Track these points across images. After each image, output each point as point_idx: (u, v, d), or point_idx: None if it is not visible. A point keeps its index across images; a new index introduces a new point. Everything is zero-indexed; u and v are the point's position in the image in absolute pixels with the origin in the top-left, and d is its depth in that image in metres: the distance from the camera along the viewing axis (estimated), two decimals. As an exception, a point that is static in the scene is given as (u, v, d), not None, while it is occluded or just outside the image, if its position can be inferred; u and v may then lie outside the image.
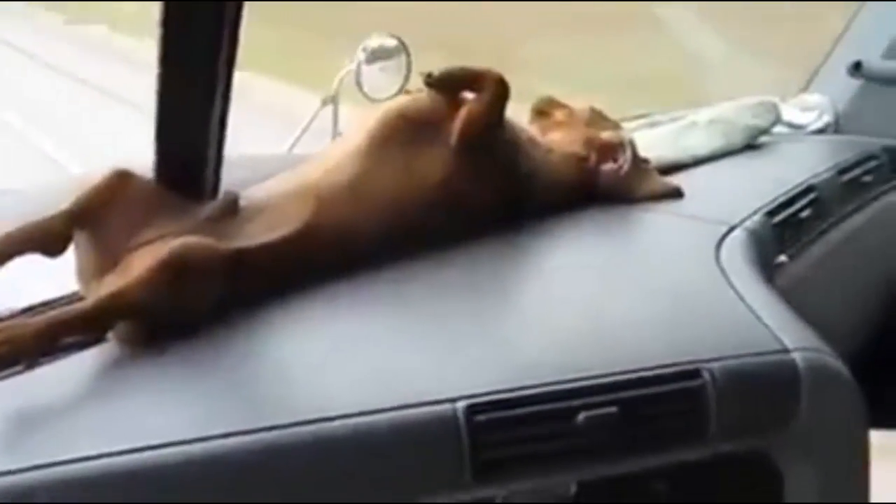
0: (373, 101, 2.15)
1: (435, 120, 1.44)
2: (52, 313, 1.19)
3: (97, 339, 1.24)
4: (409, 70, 2.15)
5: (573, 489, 1.11)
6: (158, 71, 1.31)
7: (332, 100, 2.20)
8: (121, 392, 1.15)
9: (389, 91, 2.15)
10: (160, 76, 1.31)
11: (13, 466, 0.97)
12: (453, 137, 1.43)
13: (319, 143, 2.17)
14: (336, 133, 2.21)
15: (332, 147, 1.46)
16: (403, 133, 1.41)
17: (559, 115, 1.64)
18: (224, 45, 1.30)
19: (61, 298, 1.30)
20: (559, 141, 1.58)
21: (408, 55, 2.14)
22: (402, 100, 1.50)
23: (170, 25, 1.26)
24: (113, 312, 1.19)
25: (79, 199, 1.26)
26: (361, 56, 2.11)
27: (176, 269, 1.19)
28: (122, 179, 1.29)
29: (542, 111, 1.65)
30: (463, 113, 1.44)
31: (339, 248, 1.31)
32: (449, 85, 1.48)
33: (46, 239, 1.24)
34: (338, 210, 1.33)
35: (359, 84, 2.11)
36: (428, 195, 1.39)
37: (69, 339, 1.23)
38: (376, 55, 2.13)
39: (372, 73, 2.13)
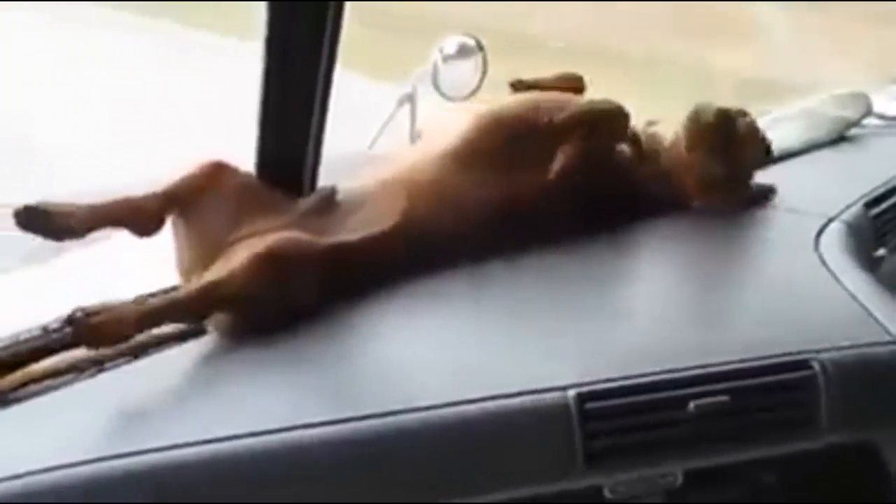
0: (449, 99, 2.16)
1: (531, 129, 1.43)
2: (155, 300, 1.22)
3: (198, 332, 1.27)
4: (485, 69, 2.16)
5: (680, 479, 1.11)
6: (262, 70, 1.34)
7: (410, 99, 2.23)
8: (223, 382, 1.18)
9: (466, 90, 2.17)
10: (264, 76, 1.34)
11: (123, 450, 1.00)
12: (552, 172, 1.41)
13: (395, 139, 2.20)
14: (414, 132, 2.23)
15: (423, 145, 1.47)
16: (498, 140, 1.41)
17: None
18: (326, 47, 1.33)
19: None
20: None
21: (484, 54, 2.15)
22: (498, 106, 1.47)
23: (274, 27, 1.30)
24: (211, 302, 1.22)
25: (173, 182, 1.29)
26: (438, 55, 2.13)
27: (275, 264, 1.21)
28: (217, 169, 1.32)
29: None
30: (564, 154, 1.41)
31: (434, 245, 1.32)
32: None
33: (137, 216, 1.26)
34: (430, 208, 1.34)
35: (435, 83, 2.13)
36: (521, 204, 1.38)
37: (169, 326, 1.27)
38: (453, 54, 2.14)
39: (448, 72, 2.15)
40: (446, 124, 1.46)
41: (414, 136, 2.23)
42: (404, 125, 2.23)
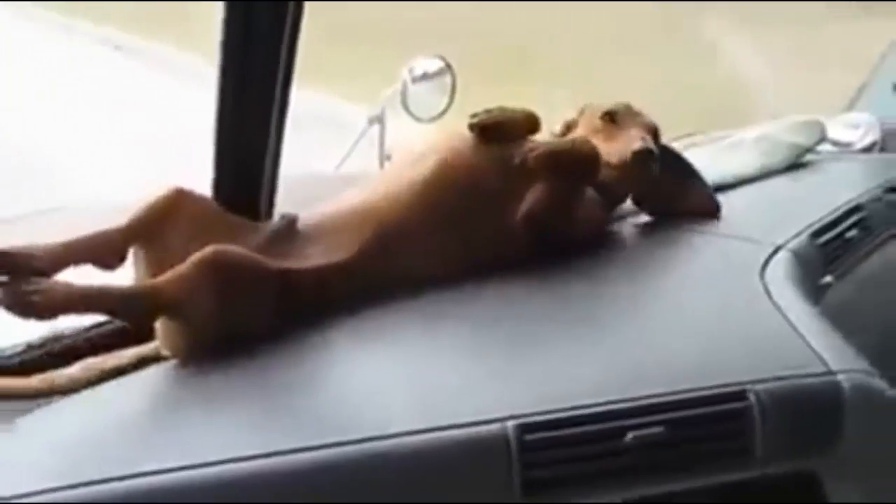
0: (418, 120, 2.19)
1: (499, 170, 1.43)
2: (92, 284, 1.22)
3: (153, 358, 1.29)
4: (453, 90, 2.18)
5: (620, 509, 1.13)
6: (217, 92, 1.36)
7: (379, 119, 2.25)
8: (182, 410, 1.19)
9: (434, 111, 2.19)
10: (219, 97, 1.36)
11: (77, 480, 1.01)
12: (518, 215, 1.41)
13: (365, 159, 2.22)
14: (383, 154, 2.25)
15: (390, 174, 1.47)
16: (466, 177, 1.42)
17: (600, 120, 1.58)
18: (281, 65, 1.35)
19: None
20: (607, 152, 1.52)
21: (453, 76, 2.17)
22: (465, 140, 1.47)
23: (229, 45, 1.32)
24: (149, 298, 1.22)
25: (137, 214, 1.31)
26: (407, 76, 2.15)
27: (217, 269, 1.21)
28: (179, 197, 1.34)
29: (567, 124, 1.62)
30: (531, 198, 1.42)
31: (390, 280, 1.33)
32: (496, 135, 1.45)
33: (103, 252, 1.29)
34: (391, 242, 1.35)
35: (404, 104, 2.15)
36: (483, 248, 1.40)
37: (125, 355, 1.29)
38: (422, 75, 2.16)
39: (417, 93, 2.17)
40: (414, 155, 1.46)
41: (383, 158, 2.26)
42: (373, 146, 2.25)
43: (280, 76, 1.35)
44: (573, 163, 1.44)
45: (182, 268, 1.21)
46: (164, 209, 1.32)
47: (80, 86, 5.10)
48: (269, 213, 1.48)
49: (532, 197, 1.42)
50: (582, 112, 1.62)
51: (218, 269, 1.21)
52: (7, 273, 1.18)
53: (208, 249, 1.22)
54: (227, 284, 1.22)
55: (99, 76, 5.31)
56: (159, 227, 1.31)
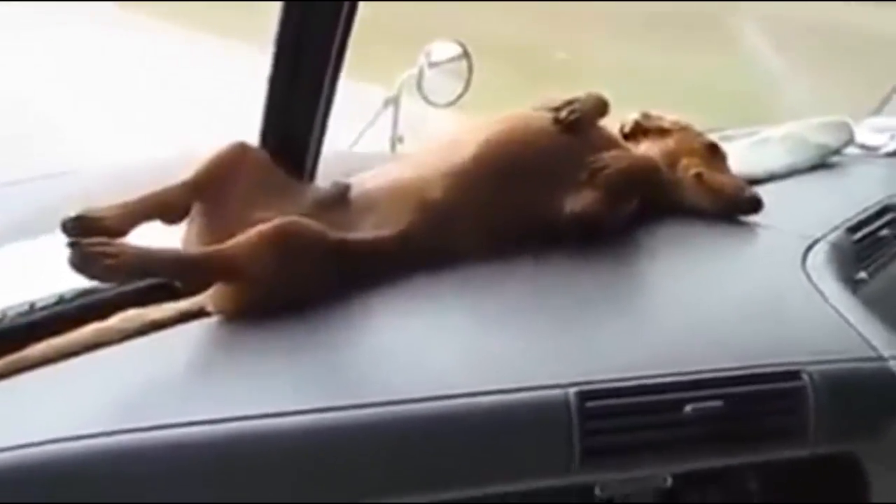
0: (433, 105, 2.18)
1: (552, 152, 1.45)
2: (159, 248, 1.23)
3: (198, 313, 1.28)
4: (470, 75, 2.18)
5: (669, 480, 1.13)
6: (274, 47, 1.35)
7: (394, 101, 2.24)
8: (225, 364, 1.19)
9: (450, 96, 2.19)
10: (275, 51, 1.36)
11: (124, 426, 1.01)
12: (568, 209, 1.42)
13: (378, 140, 2.22)
14: (395, 135, 2.25)
15: (440, 151, 1.46)
16: (516, 162, 1.42)
17: (652, 128, 1.65)
18: (339, 30, 1.35)
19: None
20: (649, 151, 1.60)
21: (469, 62, 2.17)
22: (520, 122, 1.48)
23: (289, 9, 1.31)
24: (214, 266, 1.23)
25: (200, 170, 1.31)
26: (424, 60, 2.15)
27: (281, 243, 1.22)
28: (241, 152, 1.33)
29: (638, 123, 1.66)
30: (585, 200, 1.42)
31: (439, 252, 1.33)
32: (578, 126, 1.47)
33: (167, 209, 1.30)
34: (440, 220, 1.35)
35: (420, 88, 2.15)
36: (531, 229, 1.40)
37: (172, 307, 1.28)
38: (439, 60, 2.16)
39: (434, 77, 2.16)
40: (464, 136, 1.46)
41: (395, 140, 2.25)
42: (387, 127, 2.25)
43: (338, 36, 1.34)
44: (640, 185, 1.49)
45: (250, 237, 1.21)
46: (227, 164, 1.32)
47: (86, 51, 5.09)
48: (313, 174, 1.48)
49: (586, 200, 1.43)
50: (646, 118, 1.66)
51: (285, 240, 1.22)
52: (81, 236, 1.17)
53: (276, 222, 1.22)
54: (291, 255, 1.22)
55: (105, 42, 5.30)
56: (222, 182, 1.31)
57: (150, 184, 1.35)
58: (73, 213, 1.21)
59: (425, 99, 2.16)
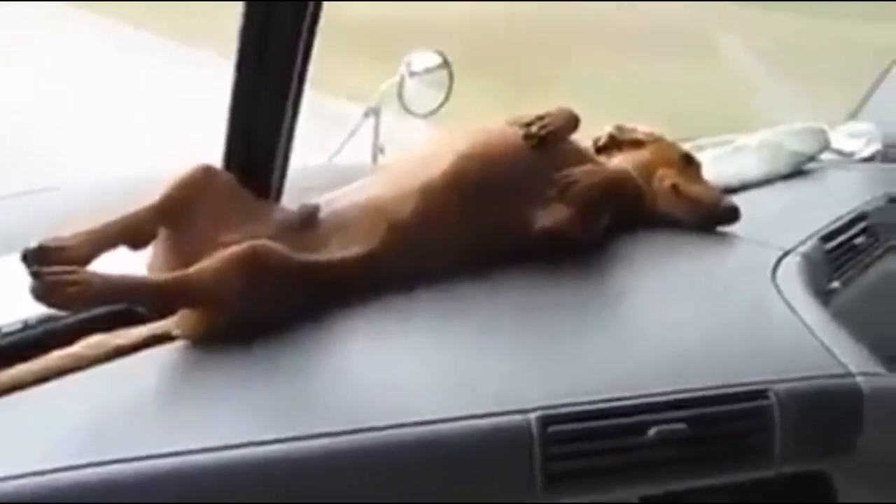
0: (414, 115, 2.18)
1: (523, 167, 1.44)
2: (124, 275, 1.21)
3: (163, 338, 1.27)
4: (450, 86, 2.17)
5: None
6: (235, 65, 1.34)
7: (375, 112, 2.23)
8: (192, 392, 1.18)
9: (430, 106, 2.19)
10: (237, 70, 1.34)
11: (84, 461, 0.99)
12: (539, 225, 1.41)
13: (360, 151, 2.21)
14: (377, 146, 2.24)
15: (409, 168, 1.45)
16: (486, 178, 1.40)
17: (626, 140, 1.65)
18: (301, 45, 1.33)
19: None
20: (624, 163, 1.59)
21: (450, 71, 2.17)
22: (490, 137, 1.47)
23: (249, 25, 1.30)
24: (180, 291, 1.22)
25: (164, 194, 1.29)
26: (404, 70, 2.14)
27: (248, 267, 1.21)
28: (206, 175, 1.32)
29: (612, 137, 1.65)
30: (558, 216, 1.41)
31: (407, 274, 1.32)
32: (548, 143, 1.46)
33: (133, 234, 1.28)
34: (411, 238, 1.34)
35: (400, 98, 2.14)
36: (501, 246, 1.38)
37: (137, 332, 1.27)
38: (419, 70, 2.15)
39: (414, 87, 2.16)
40: (433, 152, 1.45)
41: (377, 150, 2.24)
42: (367, 138, 2.24)
43: (300, 52, 1.33)
44: (612, 198, 1.48)
45: (216, 261, 1.20)
46: (192, 188, 1.31)
47: (71, 68, 5.08)
48: (279, 194, 1.46)
49: (557, 215, 1.42)
50: (620, 130, 1.66)
51: (250, 264, 1.21)
52: (44, 265, 1.16)
53: (242, 246, 1.22)
54: (257, 279, 1.21)
55: (90, 60, 5.29)
56: (187, 205, 1.30)
57: (129, 200, 1.34)
58: (33, 244, 1.19)
59: (406, 109, 2.16)
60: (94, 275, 1.19)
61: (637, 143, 1.65)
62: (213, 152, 1.42)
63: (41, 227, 1.34)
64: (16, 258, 1.41)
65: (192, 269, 1.22)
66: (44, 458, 0.99)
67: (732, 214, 1.57)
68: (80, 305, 1.20)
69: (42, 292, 1.14)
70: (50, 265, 1.16)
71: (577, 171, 1.45)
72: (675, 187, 1.58)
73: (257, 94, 1.35)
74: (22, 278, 1.19)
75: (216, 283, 1.20)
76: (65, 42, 5.44)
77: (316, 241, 1.32)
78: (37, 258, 1.17)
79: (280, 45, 1.33)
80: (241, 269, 1.21)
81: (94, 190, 1.98)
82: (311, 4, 1.31)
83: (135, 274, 1.25)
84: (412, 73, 2.15)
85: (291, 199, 1.45)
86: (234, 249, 1.22)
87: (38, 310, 1.34)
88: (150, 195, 1.30)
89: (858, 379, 1.18)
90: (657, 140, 1.66)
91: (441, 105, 2.18)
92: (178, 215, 1.30)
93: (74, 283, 1.15)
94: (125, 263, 1.30)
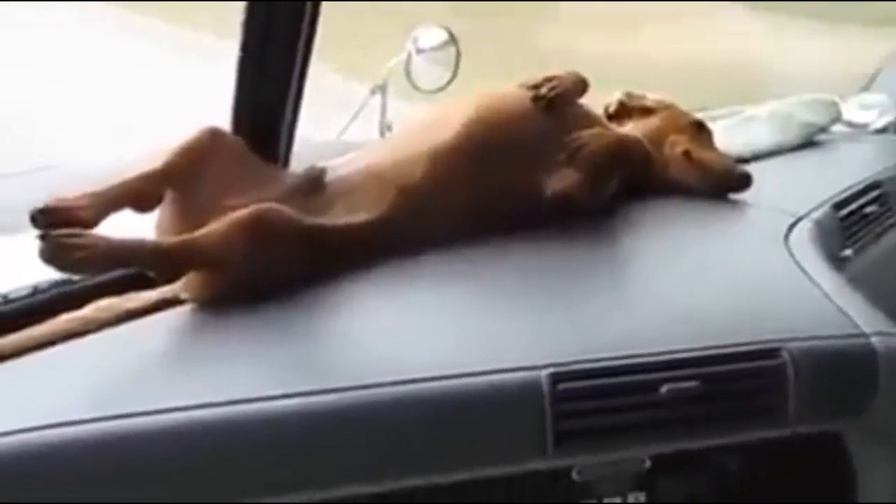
0: (422, 91, 2.17)
1: (532, 130, 1.43)
2: (132, 238, 1.21)
3: (173, 301, 1.26)
4: (457, 63, 2.16)
5: (647, 463, 1.11)
6: (242, 27, 1.33)
7: (381, 89, 2.22)
8: (200, 351, 1.18)
9: (438, 83, 2.17)
10: (243, 36, 1.34)
11: (88, 416, 1.00)
12: (551, 190, 1.40)
13: (367, 129, 2.20)
14: (384, 123, 2.23)
15: (417, 133, 1.44)
16: (495, 142, 1.40)
17: (636, 108, 1.64)
18: (307, 10, 1.33)
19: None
20: (634, 130, 1.58)
21: (457, 47, 2.15)
22: (498, 101, 1.46)
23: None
24: (187, 256, 1.21)
25: (171, 157, 1.29)
26: (411, 47, 2.13)
27: (256, 230, 1.21)
28: (213, 138, 1.32)
29: (622, 104, 1.65)
30: (569, 180, 1.40)
31: (416, 237, 1.32)
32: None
33: (142, 196, 1.28)
34: (420, 203, 1.34)
35: (408, 75, 2.13)
36: (515, 207, 1.38)
37: (146, 296, 1.27)
38: (427, 46, 2.14)
39: (422, 63, 2.15)
40: (440, 117, 1.44)
41: (384, 127, 2.24)
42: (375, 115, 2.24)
43: (307, 15, 1.32)
44: (622, 162, 1.47)
45: (223, 224, 1.20)
46: (200, 151, 1.30)
47: (63, 49, 5.09)
48: (287, 160, 1.46)
49: (567, 179, 1.41)
50: (630, 97, 1.66)
51: (258, 227, 1.21)
52: (52, 227, 1.15)
53: (250, 209, 1.21)
54: (265, 242, 1.21)
55: (83, 40, 5.31)
56: (194, 168, 1.29)
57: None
58: (41, 205, 1.19)
59: (414, 85, 2.15)
60: (101, 238, 1.18)
61: (647, 111, 1.64)
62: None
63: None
64: (14, 238, 1.43)
65: (198, 233, 1.21)
66: (49, 415, 1.00)
67: (745, 181, 1.56)
68: (87, 269, 1.20)
69: (50, 255, 1.14)
70: (57, 227, 1.16)
71: (586, 135, 1.44)
72: (686, 153, 1.56)
73: (264, 58, 1.35)
74: (23, 258, 1.20)
75: (223, 247, 1.20)
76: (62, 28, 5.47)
77: (323, 206, 1.31)
78: (45, 219, 1.17)
79: (286, 8, 1.33)
80: (247, 232, 1.21)
81: (92, 168, 1.98)
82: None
83: (141, 237, 1.24)
84: (419, 50, 2.14)
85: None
86: (240, 213, 1.22)
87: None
88: (157, 157, 1.29)
89: (873, 339, 1.16)
90: (668, 107, 1.65)
91: (449, 82, 2.17)
92: (184, 178, 1.29)
93: (81, 246, 1.14)
94: (134, 226, 1.31)
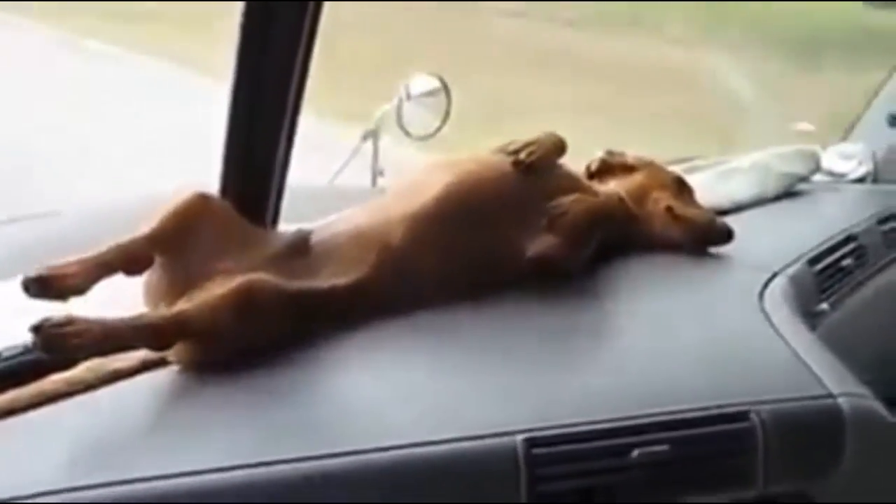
0: (412, 138, 2.21)
1: (512, 195, 1.46)
2: (123, 318, 1.23)
3: (158, 363, 1.29)
4: (448, 110, 2.20)
5: (620, 525, 1.14)
6: (231, 91, 1.37)
7: (373, 135, 2.26)
8: (184, 416, 1.20)
9: (428, 129, 2.22)
10: (232, 97, 1.37)
11: (79, 483, 1.02)
12: (531, 252, 1.43)
13: (359, 174, 2.24)
14: (376, 168, 2.27)
15: (400, 195, 1.47)
16: (477, 206, 1.43)
17: (617, 165, 1.68)
18: (297, 68, 1.36)
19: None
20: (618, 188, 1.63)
21: (448, 95, 2.20)
22: (479, 166, 1.49)
23: (246, 44, 1.33)
24: (179, 330, 1.24)
25: (161, 221, 1.32)
26: (402, 93, 2.17)
27: (246, 303, 1.24)
28: (202, 202, 1.35)
29: (604, 161, 1.69)
30: (548, 243, 1.44)
31: (399, 299, 1.35)
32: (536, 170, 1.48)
33: (130, 262, 1.30)
34: (401, 266, 1.37)
35: (399, 121, 2.17)
36: (490, 274, 1.41)
37: (132, 356, 1.29)
38: (418, 93, 2.18)
39: (413, 110, 2.19)
40: (422, 181, 1.47)
41: (376, 172, 2.27)
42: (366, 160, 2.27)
43: (295, 78, 1.36)
44: (601, 226, 1.50)
45: (213, 298, 1.23)
46: (188, 215, 1.33)
47: (59, 89, 5.14)
48: (275, 221, 1.49)
49: (547, 243, 1.44)
50: (611, 155, 1.70)
51: (247, 301, 1.24)
52: (44, 297, 1.20)
53: (238, 282, 1.24)
54: (253, 315, 1.24)
55: (77, 80, 5.36)
56: (183, 233, 1.32)
57: (125, 226, 1.36)
58: (33, 273, 1.22)
59: (404, 132, 2.19)
60: (94, 322, 1.20)
61: (629, 168, 1.67)
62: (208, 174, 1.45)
63: (44, 252, 1.36)
64: (17, 283, 1.45)
65: (189, 306, 1.24)
66: (34, 482, 1.01)
67: (726, 236, 1.60)
68: (83, 354, 1.22)
69: (46, 346, 1.16)
70: (50, 294, 1.20)
71: (567, 202, 1.47)
72: (669, 209, 1.60)
73: (253, 120, 1.38)
74: (25, 302, 1.23)
75: (213, 320, 1.23)
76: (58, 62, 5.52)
77: (308, 268, 1.35)
78: (37, 288, 1.20)
79: (276, 69, 1.36)
80: (237, 305, 1.24)
81: (95, 215, 2.01)
82: (306, 27, 1.34)
83: (132, 317, 1.26)
84: (410, 97, 2.18)
85: (289, 222, 1.48)
86: (230, 286, 1.25)
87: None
88: (147, 222, 1.32)
89: (840, 400, 1.19)
90: (649, 164, 1.69)
91: (439, 128, 2.22)
92: (173, 242, 1.32)
93: (75, 333, 1.17)
94: (120, 285, 1.33)
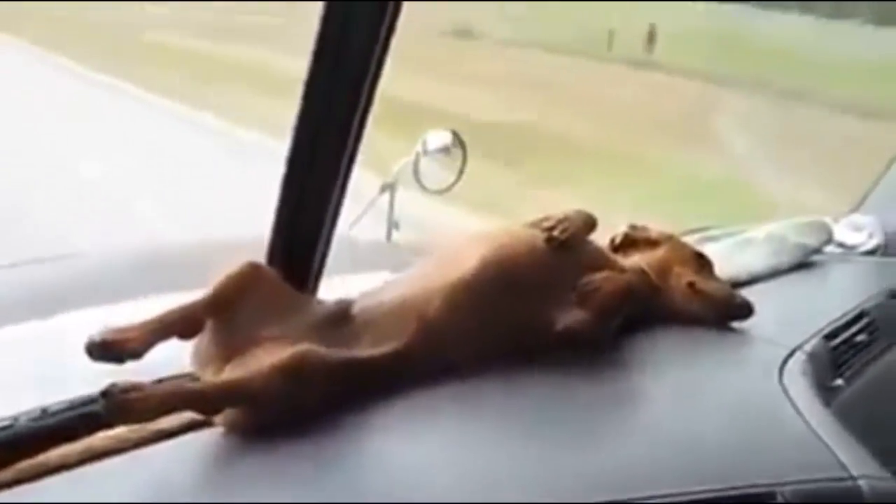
0: (429, 192, 2.27)
1: (546, 269, 1.52)
2: (175, 385, 1.31)
3: (205, 423, 1.34)
4: (463, 165, 2.26)
5: None
6: (287, 158, 1.44)
7: (390, 188, 2.32)
8: (230, 478, 1.25)
9: (443, 184, 2.27)
10: (287, 169, 1.44)
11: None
12: (559, 325, 1.48)
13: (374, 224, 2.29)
14: (392, 220, 2.32)
15: (432, 270, 1.53)
16: (512, 279, 1.49)
17: (641, 239, 1.74)
18: (351, 141, 1.43)
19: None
20: (641, 262, 1.68)
21: (464, 150, 2.26)
22: (514, 240, 1.55)
23: (305, 118, 1.40)
24: (230, 397, 1.31)
25: (216, 289, 1.39)
26: (420, 148, 2.23)
27: (294, 374, 1.30)
28: (254, 272, 1.42)
29: (627, 235, 1.75)
30: (576, 316, 1.49)
31: (435, 366, 1.41)
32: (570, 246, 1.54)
33: (185, 327, 1.38)
34: (436, 336, 1.42)
35: (416, 174, 2.23)
36: (527, 341, 1.46)
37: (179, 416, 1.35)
38: (434, 149, 2.24)
39: (429, 165, 2.25)
40: (457, 254, 1.53)
41: (392, 225, 2.33)
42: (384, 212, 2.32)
43: (345, 158, 1.42)
44: (628, 304, 1.56)
45: (265, 368, 1.29)
46: (241, 284, 1.40)
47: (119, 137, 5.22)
48: (316, 289, 1.55)
49: (577, 317, 1.50)
50: (634, 229, 1.76)
51: (296, 371, 1.30)
52: (105, 361, 1.28)
53: (291, 354, 1.30)
54: (302, 385, 1.30)
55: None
56: (235, 300, 1.40)
57: (155, 268, 1.40)
58: (97, 338, 1.29)
59: (421, 186, 2.24)
60: (155, 388, 1.27)
61: (652, 243, 1.74)
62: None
63: (68, 293, 1.41)
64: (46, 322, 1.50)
65: (241, 375, 1.31)
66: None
67: (746, 310, 1.66)
68: (144, 419, 1.28)
69: (114, 412, 1.23)
70: (110, 358, 1.27)
71: (598, 279, 1.53)
72: (691, 285, 1.67)
73: (303, 196, 1.45)
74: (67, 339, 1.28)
75: (263, 389, 1.29)
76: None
77: (349, 336, 1.41)
78: (100, 351, 1.27)
79: (329, 151, 1.43)
80: (287, 376, 1.30)
81: (120, 257, 2.07)
82: (358, 117, 1.41)
83: (188, 383, 1.34)
84: (426, 151, 2.24)
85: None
86: (282, 356, 1.31)
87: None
88: (203, 289, 1.39)
89: (861, 482, 1.25)
90: (670, 238, 1.76)
91: (455, 182, 2.28)
92: (225, 309, 1.39)
93: (141, 399, 1.23)
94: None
